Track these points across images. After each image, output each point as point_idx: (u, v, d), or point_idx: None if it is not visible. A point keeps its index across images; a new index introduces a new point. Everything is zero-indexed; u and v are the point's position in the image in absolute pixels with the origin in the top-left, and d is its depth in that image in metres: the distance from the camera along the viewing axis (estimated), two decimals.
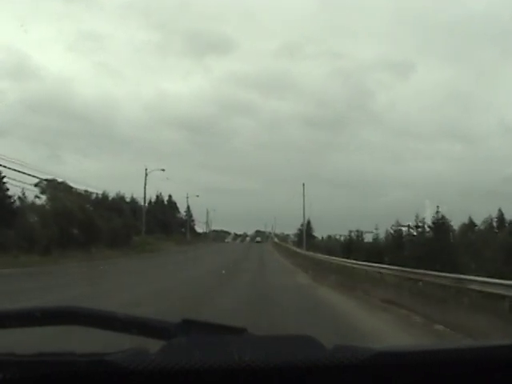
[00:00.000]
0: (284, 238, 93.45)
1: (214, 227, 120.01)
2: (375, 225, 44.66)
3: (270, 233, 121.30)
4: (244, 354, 1.02)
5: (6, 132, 56.86)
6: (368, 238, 46.92)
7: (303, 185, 57.94)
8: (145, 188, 51.99)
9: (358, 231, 46.83)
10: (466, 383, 1.09)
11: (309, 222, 76.82)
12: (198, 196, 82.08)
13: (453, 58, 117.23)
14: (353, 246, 41.65)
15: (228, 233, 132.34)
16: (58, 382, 1.02)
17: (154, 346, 1.07)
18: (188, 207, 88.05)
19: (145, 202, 54.20)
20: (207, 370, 1.00)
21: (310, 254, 39.91)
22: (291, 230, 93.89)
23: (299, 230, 74.66)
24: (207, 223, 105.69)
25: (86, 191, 41.80)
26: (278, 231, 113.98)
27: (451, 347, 1.32)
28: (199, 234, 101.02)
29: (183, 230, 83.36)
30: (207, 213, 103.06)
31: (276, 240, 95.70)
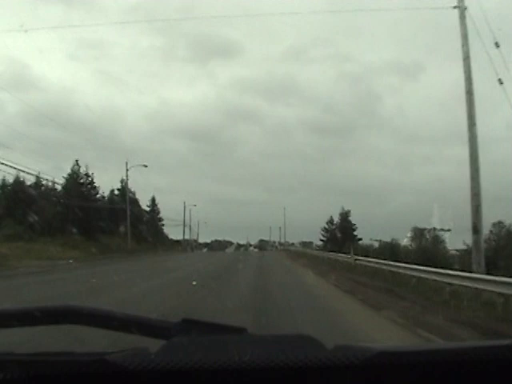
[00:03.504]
0: (288, 246, 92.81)
1: (217, 237, 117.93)
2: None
3: (274, 242, 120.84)
4: (244, 353, 1.02)
5: (7, 145, 56.51)
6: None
7: None
8: None
9: None
10: (467, 383, 1.08)
11: (346, 214, 51.57)
12: (146, 166, 48.42)
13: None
14: None
15: (231, 242, 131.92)
16: (59, 381, 1.02)
17: (154, 345, 1.07)
18: (148, 200, 61.25)
19: None
20: (207, 369, 1.00)
21: None
22: (295, 239, 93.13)
23: (325, 228, 52.35)
24: (184, 223, 76.56)
25: None
26: (282, 240, 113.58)
27: (452, 347, 1.31)
28: (177, 241, 74.84)
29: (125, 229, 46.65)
30: (184, 209, 75.94)
31: (280, 247, 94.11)
